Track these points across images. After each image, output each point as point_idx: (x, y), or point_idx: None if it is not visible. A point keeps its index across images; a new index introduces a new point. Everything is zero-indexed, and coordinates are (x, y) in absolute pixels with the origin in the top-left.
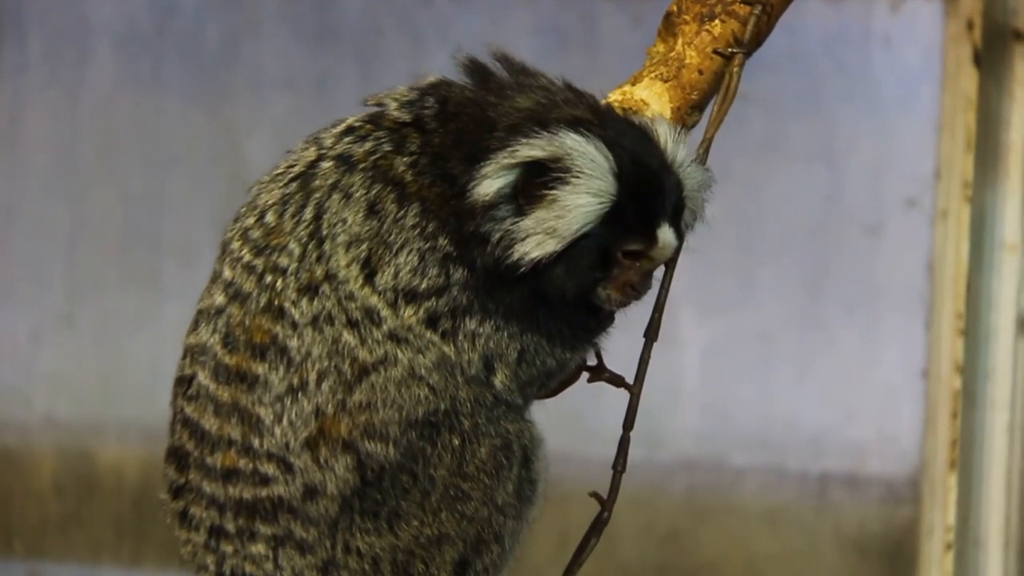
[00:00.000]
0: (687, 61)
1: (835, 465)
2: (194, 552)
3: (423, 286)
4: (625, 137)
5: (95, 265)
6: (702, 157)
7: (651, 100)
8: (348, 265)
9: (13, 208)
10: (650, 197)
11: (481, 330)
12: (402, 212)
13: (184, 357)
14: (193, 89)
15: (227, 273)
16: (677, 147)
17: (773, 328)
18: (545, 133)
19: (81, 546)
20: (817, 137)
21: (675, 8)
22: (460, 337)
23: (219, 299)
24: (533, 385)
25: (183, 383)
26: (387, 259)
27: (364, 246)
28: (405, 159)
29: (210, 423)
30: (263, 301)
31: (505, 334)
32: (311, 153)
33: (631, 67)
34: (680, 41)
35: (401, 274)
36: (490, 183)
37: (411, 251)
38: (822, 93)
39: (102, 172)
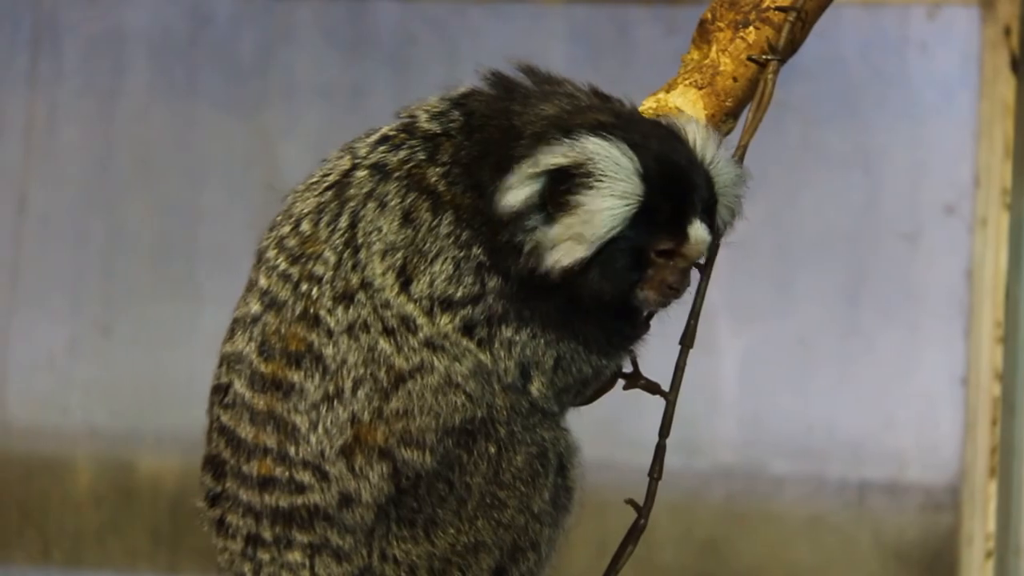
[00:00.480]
0: (721, 68)
1: (874, 473)
2: (231, 560)
3: (459, 294)
4: (651, 138)
5: (131, 274)
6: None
7: (685, 107)
8: (384, 273)
9: (50, 218)
10: (678, 195)
11: (517, 338)
12: (436, 221)
13: (220, 365)
14: (228, 98)
15: (263, 281)
16: (707, 145)
17: (811, 335)
18: (567, 140)
19: (119, 555)
20: (854, 144)
21: (709, 15)
22: (496, 345)
23: (255, 307)
24: (569, 392)
25: (219, 391)
26: (423, 268)
27: (399, 254)
28: (438, 169)
29: (246, 431)
30: (299, 309)
31: (542, 341)
32: (346, 162)
33: (665, 75)
34: (714, 48)
35: (436, 282)
36: (516, 193)
37: (446, 259)
38: (859, 100)
39: (137, 181)
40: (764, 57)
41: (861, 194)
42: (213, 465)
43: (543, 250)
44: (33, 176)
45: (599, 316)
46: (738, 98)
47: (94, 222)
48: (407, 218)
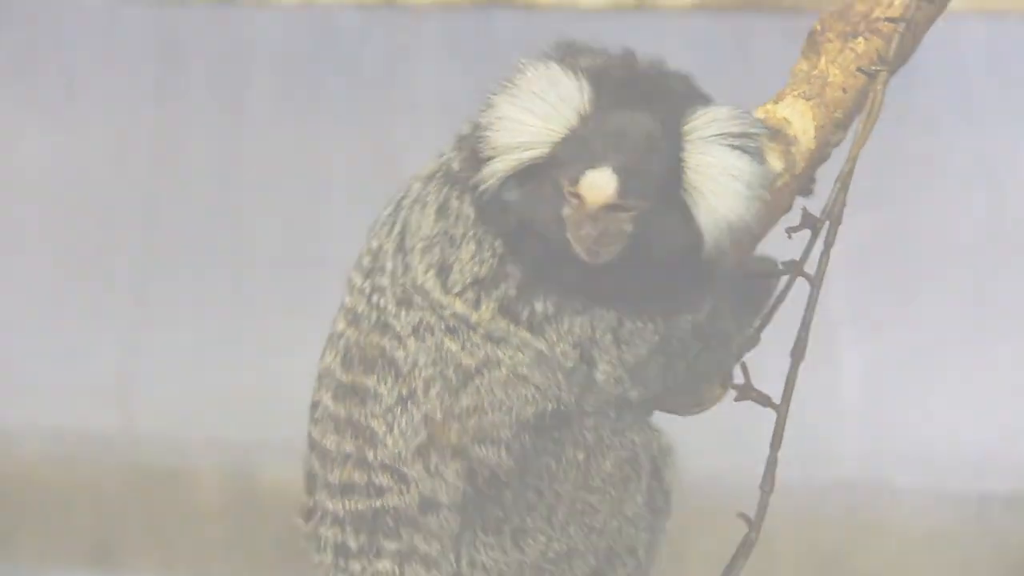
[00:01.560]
0: (830, 79)
1: (996, 485)
2: (326, 574)
3: (483, 271)
4: (624, 88)
5: (256, 287)
6: (846, 177)
7: (794, 118)
8: (426, 272)
9: (177, 232)
10: (599, 139)
11: (554, 310)
12: (461, 204)
13: (316, 383)
14: (351, 111)
15: (347, 300)
16: (712, 125)
17: (933, 347)
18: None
19: (243, 567)
20: (976, 154)
21: (819, 26)
22: (545, 326)
23: (340, 325)
24: (648, 367)
25: (313, 408)
26: (454, 257)
27: (436, 250)
28: (460, 156)
29: (330, 441)
30: (373, 319)
31: (585, 315)
32: (411, 181)
33: (784, 85)
34: (823, 59)
35: (466, 268)
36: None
37: (469, 239)
38: (981, 110)
39: (262, 195)
40: (874, 68)
41: (983, 204)
42: (307, 481)
43: (487, 168)
44: (160, 190)
45: (645, 276)
46: (847, 109)
47: (220, 235)
48: (440, 211)
